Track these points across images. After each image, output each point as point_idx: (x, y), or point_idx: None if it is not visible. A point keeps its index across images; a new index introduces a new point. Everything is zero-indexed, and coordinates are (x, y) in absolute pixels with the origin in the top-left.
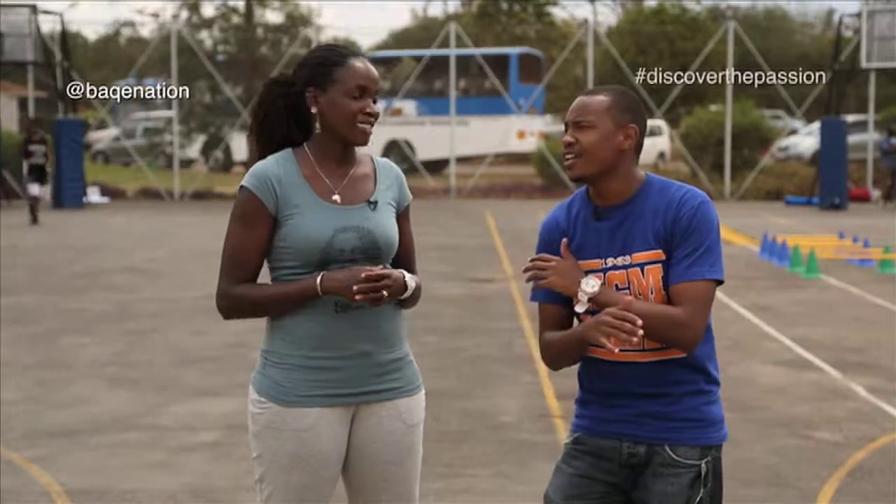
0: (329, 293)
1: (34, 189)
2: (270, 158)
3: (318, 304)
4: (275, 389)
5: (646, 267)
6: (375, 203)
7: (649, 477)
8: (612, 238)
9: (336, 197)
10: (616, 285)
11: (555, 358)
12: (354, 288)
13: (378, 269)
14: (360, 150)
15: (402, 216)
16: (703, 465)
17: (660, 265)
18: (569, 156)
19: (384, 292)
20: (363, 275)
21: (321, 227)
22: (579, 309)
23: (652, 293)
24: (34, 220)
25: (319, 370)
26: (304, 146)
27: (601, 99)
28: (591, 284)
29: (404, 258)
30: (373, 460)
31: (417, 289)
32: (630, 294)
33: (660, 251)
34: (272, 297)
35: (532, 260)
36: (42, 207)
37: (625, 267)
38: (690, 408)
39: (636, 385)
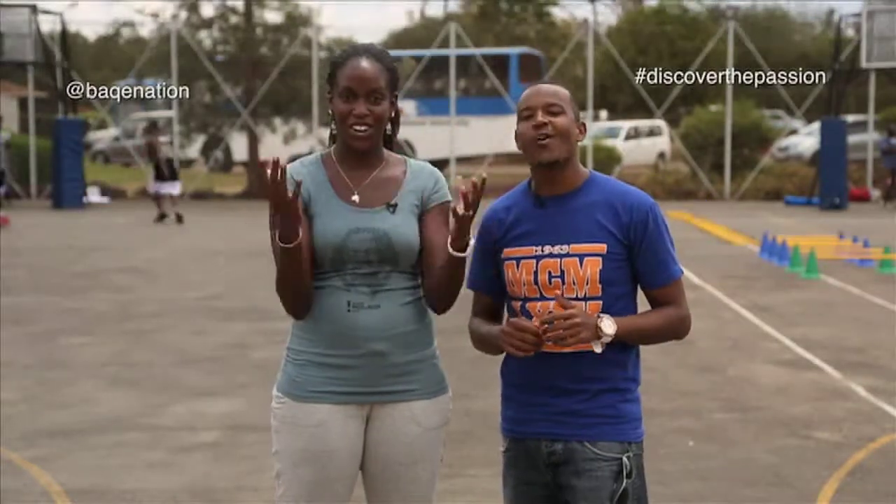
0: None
1: (161, 188)
2: (298, 161)
3: (332, 303)
4: (290, 385)
5: (585, 258)
6: (395, 206)
7: (572, 475)
8: (552, 226)
9: (355, 198)
10: (549, 273)
11: (477, 346)
12: None
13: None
14: (390, 152)
15: (434, 214)
16: (624, 459)
17: (600, 258)
18: (544, 139)
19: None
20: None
21: (336, 226)
22: (598, 350)
23: (587, 284)
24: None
25: (332, 367)
26: (331, 149)
27: (563, 90)
28: (608, 325)
29: (427, 257)
30: (384, 461)
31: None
32: (564, 283)
33: (603, 245)
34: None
35: (550, 321)
36: (41, 207)
37: (560, 256)
38: (606, 405)
39: (554, 379)
